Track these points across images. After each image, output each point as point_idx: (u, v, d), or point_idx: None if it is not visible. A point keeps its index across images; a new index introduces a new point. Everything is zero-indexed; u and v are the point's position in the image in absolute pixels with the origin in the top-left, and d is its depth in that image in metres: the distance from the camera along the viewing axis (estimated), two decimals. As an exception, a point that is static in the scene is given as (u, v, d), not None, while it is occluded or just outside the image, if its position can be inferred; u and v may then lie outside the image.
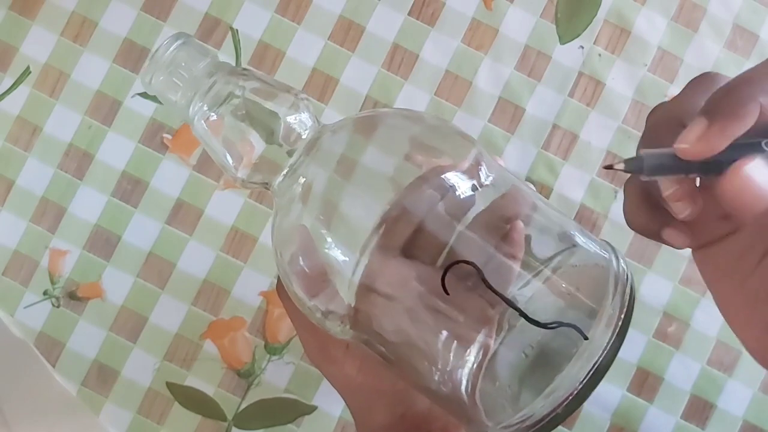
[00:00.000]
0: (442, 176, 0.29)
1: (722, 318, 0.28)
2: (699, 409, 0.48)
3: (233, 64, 0.48)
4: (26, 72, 0.49)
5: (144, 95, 0.49)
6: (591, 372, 0.26)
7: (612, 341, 0.26)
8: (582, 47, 0.50)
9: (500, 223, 0.29)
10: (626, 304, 0.27)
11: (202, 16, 0.49)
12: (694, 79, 0.28)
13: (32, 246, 0.48)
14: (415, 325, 0.29)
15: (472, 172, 0.30)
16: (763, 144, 0.24)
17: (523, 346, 0.28)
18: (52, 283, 0.48)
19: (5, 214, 0.48)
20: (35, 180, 0.49)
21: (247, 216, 0.48)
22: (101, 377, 0.48)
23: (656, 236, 0.28)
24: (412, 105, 0.49)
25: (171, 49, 0.30)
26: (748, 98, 0.23)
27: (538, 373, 0.28)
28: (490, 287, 0.26)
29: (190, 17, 0.49)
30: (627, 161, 0.26)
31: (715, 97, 0.24)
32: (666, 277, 0.48)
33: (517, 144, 0.49)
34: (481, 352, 0.28)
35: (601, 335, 0.26)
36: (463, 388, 0.28)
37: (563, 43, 0.50)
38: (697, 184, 0.27)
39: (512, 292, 0.28)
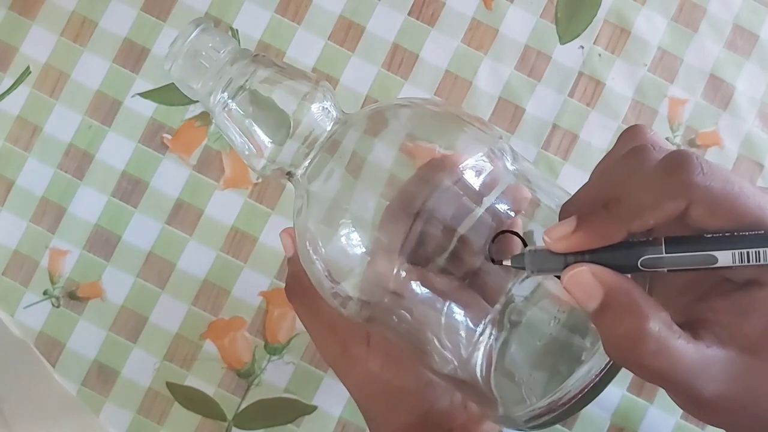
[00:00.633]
0: (457, 166, 0.29)
1: None
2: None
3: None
4: (26, 72, 0.49)
5: (144, 95, 0.49)
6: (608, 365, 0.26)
7: None
8: (582, 47, 0.50)
9: (504, 217, 0.29)
10: None
11: (203, 16, 0.49)
12: (624, 134, 0.28)
13: (32, 246, 0.48)
14: (423, 315, 0.29)
15: (489, 161, 0.30)
16: (639, 262, 0.24)
17: (537, 334, 0.29)
18: (52, 283, 0.48)
19: (5, 214, 0.48)
20: (35, 180, 0.49)
21: (247, 216, 0.48)
22: (101, 377, 0.48)
23: None
24: (412, 105, 0.49)
25: (192, 36, 0.30)
26: (619, 225, 0.24)
27: (555, 360, 0.28)
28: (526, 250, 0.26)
29: (191, 17, 0.49)
30: (513, 258, 0.26)
31: (599, 205, 0.24)
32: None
33: (517, 144, 0.49)
34: (491, 338, 0.28)
35: None
36: (478, 375, 0.29)
37: (563, 43, 0.50)
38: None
39: (511, 287, 0.29)
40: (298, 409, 0.48)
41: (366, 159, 0.30)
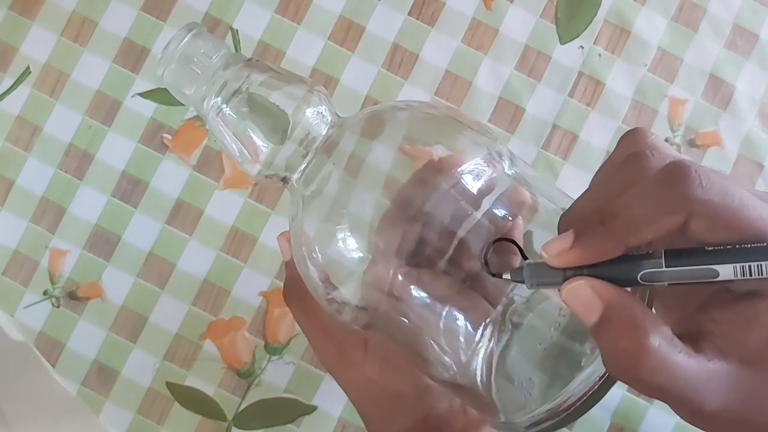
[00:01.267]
0: (455, 169, 0.29)
1: None
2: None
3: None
4: (26, 72, 0.49)
5: (144, 95, 0.49)
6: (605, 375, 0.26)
7: None
8: (582, 47, 0.50)
9: (503, 220, 0.29)
10: None
11: (202, 16, 0.49)
12: (623, 139, 0.27)
13: (32, 246, 0.48)
14: (422, 319, 0.29)
15: (487, 164, 0.30)
16: (638, 276, 0.24)
17: (537, 339, 0.28)
18: (52, 283, 0.48)
19: (5, 214, 0.48)
20: (35, 180, 0.49)
21: (247, 216, 0.48)
22: (101, 377, 0.48)
23: None
24: (412, 105, 0.49)
25: (184, 41, 0.29)
26: (616, 241, 0.23)
27: (555, 366, 0.28)
28: (525, 258, 0.26)
29: (190, 17, 0.49)
30: (513, 271, 0.26)
31: (596, 219, 0.24)
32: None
33: (517, 144, 0.49)
34: (491, 342, 0.28)
35: None
36: (478, 381, 0.28)
37: (563, 43, 0.50)
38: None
39: (512, 288, 0.28)
40: (298, 409, 0.48)
41: (362, 162, 0.30)
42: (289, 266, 0.36)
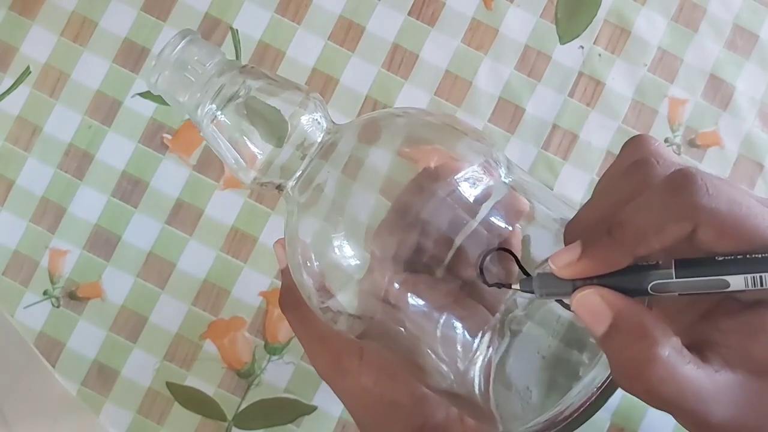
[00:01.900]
0: (453, 176, 0.29)
1: None
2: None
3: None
4: (26, 72, 0.49)
5: (144, 95, 0.49)
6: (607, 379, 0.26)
7: None
8: (582, 47, 0.50)
9: (500, 228, 0.29)
10: None
11: (202, 16, 0.49)
12: (627, 146, 0.27)
13: (32, 246, 0.48)
14: (419, 328, 0.29)
15: (484, 172, 0.30)
16: (648, 287, 0.23)
17: (536, 347, 0.28)
18: (52, 283, 0.48)
19: (5, 214, 0.48)
20: (35, 180, 0.49)
21: (247, 216, 0.48)
22: (101, 377, 0.48)
23: None
24: (412, 105, 0.49)
25: (178, 47, 0.29)
26: (624, 251, 0.23)
27: (554, 375, 0.28)
28: (524, 270, 0.26)
29: (190, 17, 0.49)
30: (522, 282, 0.25)
31: (602, 229, 0.24)
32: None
33: (517, 144, 0.49)
34: (489, 351, 0.28)
35: None
36: (476, 390, 0.28)
37: (563, 43, 0.50)
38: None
39: (512, 295, 0.28)
40: (298, 409, 0.48)
41: (359, 169, 0.30)
42: (285, 274, 0.36)
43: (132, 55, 0.49)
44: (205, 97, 0.29)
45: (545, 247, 0.29)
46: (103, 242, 0.48)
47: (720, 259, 0.23)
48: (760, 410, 0.23)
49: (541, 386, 0.28)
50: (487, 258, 0.26)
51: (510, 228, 0.29)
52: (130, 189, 0.49)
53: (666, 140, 0.49)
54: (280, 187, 0.31)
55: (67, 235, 0.48)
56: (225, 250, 0.48)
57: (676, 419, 0.24)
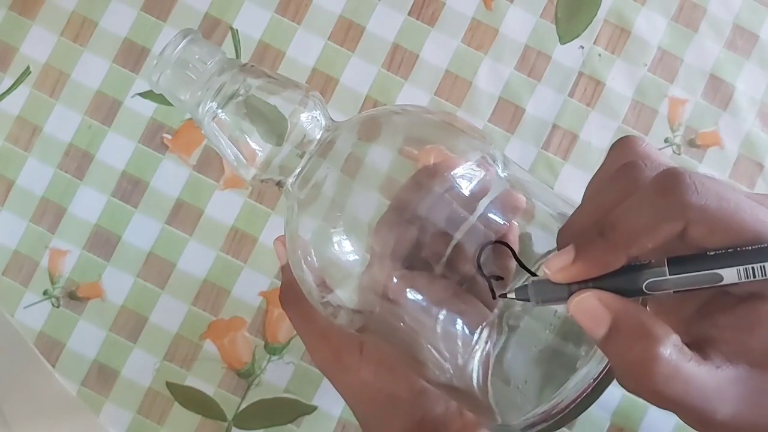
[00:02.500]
0: (450, 172, 0.29)
1: None
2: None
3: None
4: (26, 72, 0.49)
5: (144, 95, 0.49)
6: (603, 370, 0.26)
7: None
8: (582, 47, 0.50)
9: (498, 223, 0.29)
10: None
11: (202, 16, 0.49)
12: (614, 148, 0.27)
13: (32, 246, 0.48)
14: (418, 322, 0.29)
15: (482, 168, 0.30)
16: (643, 286, 0.23)
17: (533, 341, 0.28)
18: (52, 283, 0.48)
19: (5, 214, 0.48)
20: (35, 180, 0.49)
21: (247, 216, 0.48)
22: (101, 377, 0.48)
23: None
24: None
25: (179, 46, 0.29)
26: (617, 252, 0.23)
27: (551, 368, 0.28)
28: (521, 264, 0.26)
29: (190, 17, 0.49)
30: (517, 290, 0.25)
31: (594, 231, 0.24)
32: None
33: (517, 144, 0.49)
34: (488, 345, 0.28)
35: None
36: (474, 384, 0.29)
37: (563, 43, 0.50)
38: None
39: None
40: (298, 409, 0.48)
41: (358, 165, 0.30)
42: (286, 271, 0.36)
43: (132, 55, 0.49)
44: (206, 95, 0.30)
45: (545, 244, 0.29)
46: (103, 242, 0.48)
47: (712, 254, 0.23)
48: (763, 404, 0.23)
49: (538, 379, 0.28)
50: (485, 252, 0.27)
51: (507, 223, 0.29)
52: (130, 189, 0.49)
53: (666, 140, 0.49)
54: (280, 184, 0.32)
55: (67, 235, 0.48)
56: (225, 250, 0.48)
57: (680, 417, 0.24)
